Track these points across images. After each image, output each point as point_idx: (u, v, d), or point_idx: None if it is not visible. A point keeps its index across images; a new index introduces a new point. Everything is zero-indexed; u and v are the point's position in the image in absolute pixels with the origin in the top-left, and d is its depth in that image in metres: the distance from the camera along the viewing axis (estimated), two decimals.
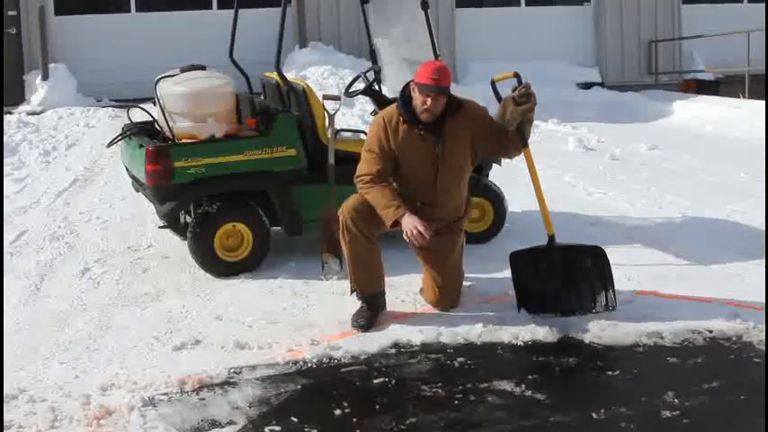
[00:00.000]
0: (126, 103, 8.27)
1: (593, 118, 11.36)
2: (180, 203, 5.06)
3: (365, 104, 10.12)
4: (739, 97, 11.92)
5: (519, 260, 4.41)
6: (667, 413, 3.34)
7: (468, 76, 12.54)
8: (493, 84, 4.54)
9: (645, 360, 3.86)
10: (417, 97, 4.12)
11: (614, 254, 4.66)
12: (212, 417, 3.38)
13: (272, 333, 4.21)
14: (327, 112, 5.25)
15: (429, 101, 4.08)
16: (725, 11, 14.11)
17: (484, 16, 13.42)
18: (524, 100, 4.19)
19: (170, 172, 4.91)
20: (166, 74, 5.38)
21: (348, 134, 5.68)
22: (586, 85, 13.41)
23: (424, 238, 4.03)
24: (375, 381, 3.69)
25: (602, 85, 13.53)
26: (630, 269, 5.01)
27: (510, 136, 4.26)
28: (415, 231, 4.01)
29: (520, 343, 4.06)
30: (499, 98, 4.40)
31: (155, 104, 5.36)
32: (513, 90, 4.25)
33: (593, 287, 4.31)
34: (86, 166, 8.45)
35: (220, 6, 12.30)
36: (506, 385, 3.60)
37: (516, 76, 4.34)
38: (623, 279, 4.77)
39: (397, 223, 4.09)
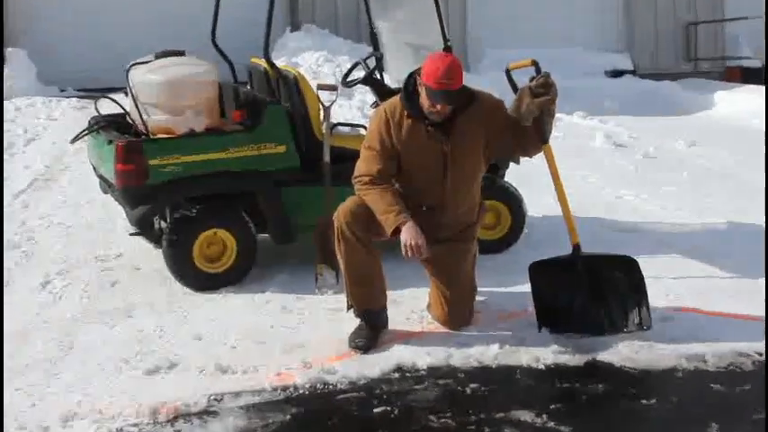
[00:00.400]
0: (93, 92, 8.27)
1: (623, 110, 11.37)
2: (154, 207, 5.06)
3: (365, 95, 10.11)
4: None
5: (540, 272, 4.39)
6: None
7: (481, 64, 12.56)
8: (508, 73, 4.53)
9: (685, 387, 3.84)
10: (424, 98, 4.11)
11: (649, 265, 4.63)
12: None
13: (259, 355, 4.19)
14: (322, 104, 5.24)
15: (438, 107, 4.08)
16: None
17: None
18: (543, 91, 4.18)
19: (143, 171, 4.90)
20: (139, 60, 5.38)
21: (346, 129, 5.67)
22: (616, 74, 13.42)
23: (420, 254, 4.02)
24: (375, 410, 3.67)
25: (633, 73, 13.54)
26: (667, 282, 4.99)
27: (528, 132, 4.25)
28: (412, 243, 4.00)
29: (541, 366, 4.04)
30: (515, 89, 4.39)
31: (126, 95, 5.35)
32: (531, 80, 4.24)
33: (624, 303, 4.29)
34: (48, 164, 8.44)
35: None
36: (526, 415, 3.58)
37: (534, 63, 4.33)
38: (659, 294, 4.75)
39: (397, 231, 4.08)
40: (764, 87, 11.03)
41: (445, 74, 4.01)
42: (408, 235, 4.03)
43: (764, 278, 4.99)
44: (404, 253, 4.06)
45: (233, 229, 5.11)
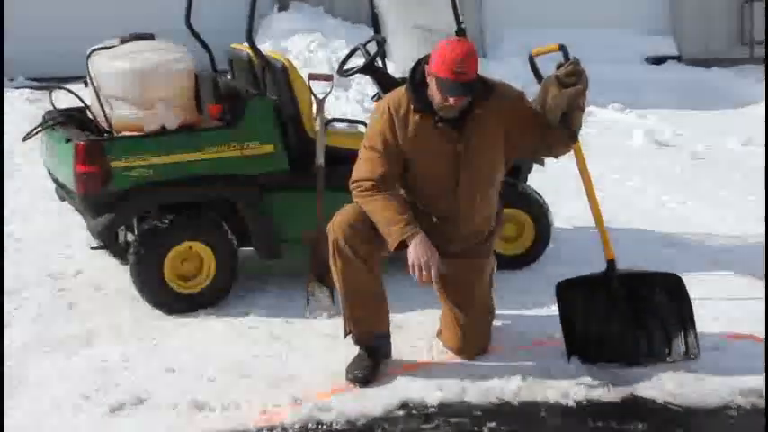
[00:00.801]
0: (48, 82, 8.30)
1: (666, 103, 11.37)
2: (119, 216, 5.07)
3: (365, 86, 10.14)
4: None
5: (569, 292, 4.41)
6: None
7: (500, 50, 12.57)
8: (531, 59, 4.55)
9: (738, 427, 3.85)
10: (435, 92, 4.13)
11: (696, 284, 4.64)
12: None
13: (241, 389, 4.21)
14: (315, 97, 5.26)
15: (451, 101, 4.11)
16: None
17: None
18: (572, 80, 4.19)
19: (106, 174, 4.93)
20: (102, 45, 5.40)
21: (342, 125, 5.70)
22: (658, 60, 13.42)
23: (429, 276, 4.04)
24: None
25: (678, 59, 13.54)
26: (719, 304, 5.00)
27: (554, 128, 4.26)
28: (422, 261, 4.00)
29: (570, 403, 4.05)
30: (539, 78, 4.40)
31: (86, 85, 5.37)
32: (558, 68, 4.26)
33: (667, 328, 4.31)
34: None
35: None
36: None
37: (561, 48, 4.35)
38: (708, 318, 4.76)
39: (403, 245, 4.10)
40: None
41: (458, 63, 4.01)
42: (418, 252, 4.03)
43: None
44: (411, 272, 4.07)
45: (211, 243, 5.12)
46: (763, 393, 4.06)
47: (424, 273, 4.02)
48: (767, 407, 3.88)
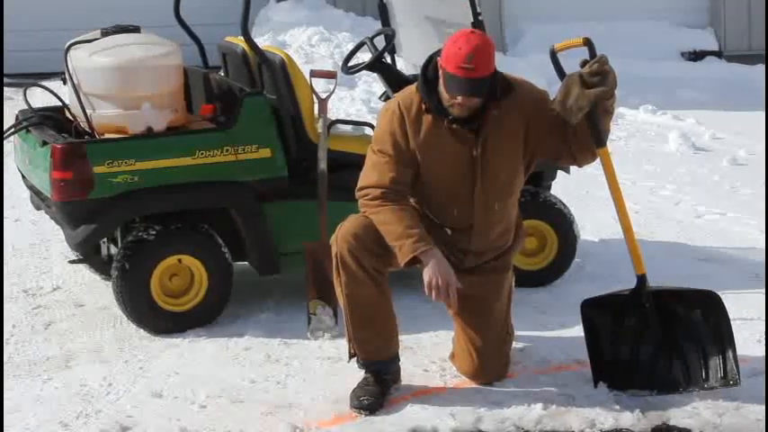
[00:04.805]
0: (22, 79, 8.33)
1: (705, 104, 11.35)
2: (101, 227, 5.10)
3: (372, 85, 10.17)
4: None
5: (595, 311, 4.43)
6: None
7: (521, 44, 12.59)
8: (554, 55, 4.54)
9: None
10: (443, 88, 4.17)
11: (736, 303, 4.65)
12: None
13: (236, 417, 4.23)
14: (317, 96, 5.29)
15: (460, 99, 4.13)
16: None
17: None
18: (597, 80, 4.20)
19: (87, 181, 4.96)
20: (82, 38, 5.43)
21: (347, 128, 5.73)
22: (696, 56, 13.42)
23: (448, 297, 4.08)
24: None
25: (719, 55, 13.53)
26: (760, 326, 5.00)
27: (578, 132, 4.27)
28: (441, 284, 4.05)
29: None
30: (563, 77, 4.41)
31: (65, 82, 5.40)
32: (582, 65, 4.28)
33: (704, 352, 4.32)
34: None
35: None
36: None
37: (587, 43, 4.35)
38: (751, 340, 4.78)
39: (415, 260, 4.13)
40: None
41: (467, 57, 4.04)
42: (436, 272, 4.07)
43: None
44: (427, 293, 4.10)
45: (202, 257, 5.15)
46: None
47: (442, 295, 4.07)
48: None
